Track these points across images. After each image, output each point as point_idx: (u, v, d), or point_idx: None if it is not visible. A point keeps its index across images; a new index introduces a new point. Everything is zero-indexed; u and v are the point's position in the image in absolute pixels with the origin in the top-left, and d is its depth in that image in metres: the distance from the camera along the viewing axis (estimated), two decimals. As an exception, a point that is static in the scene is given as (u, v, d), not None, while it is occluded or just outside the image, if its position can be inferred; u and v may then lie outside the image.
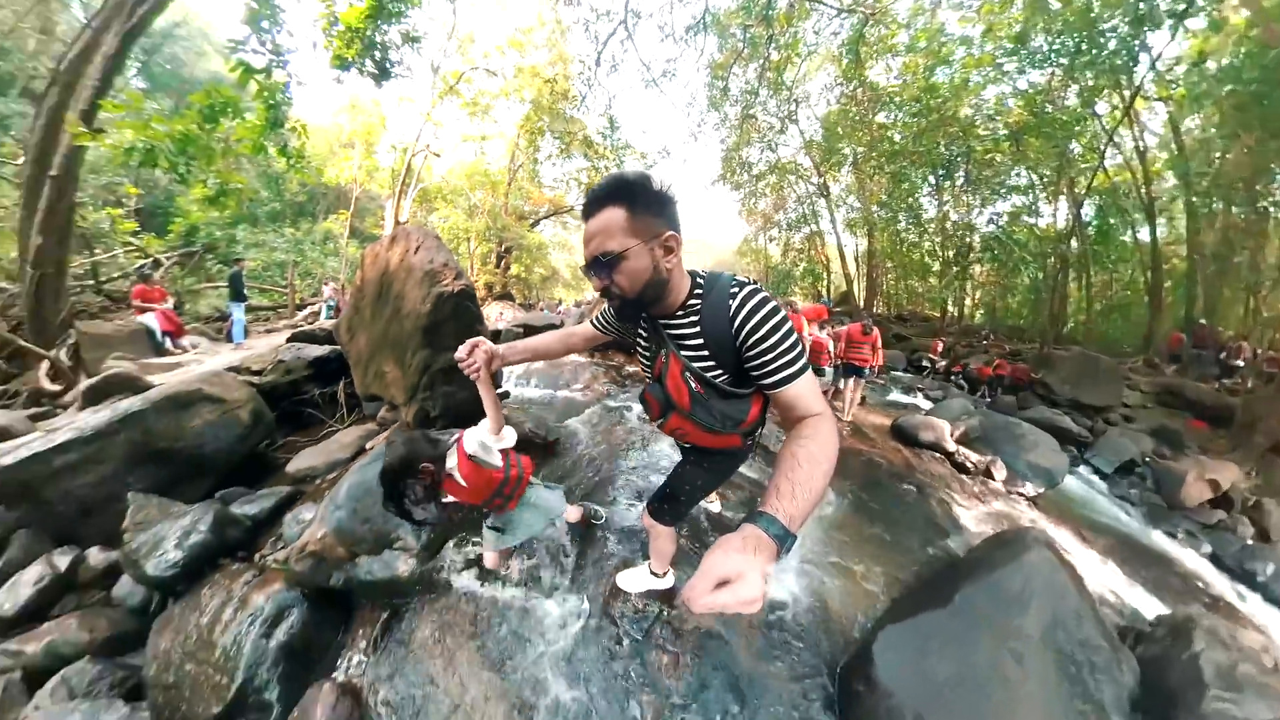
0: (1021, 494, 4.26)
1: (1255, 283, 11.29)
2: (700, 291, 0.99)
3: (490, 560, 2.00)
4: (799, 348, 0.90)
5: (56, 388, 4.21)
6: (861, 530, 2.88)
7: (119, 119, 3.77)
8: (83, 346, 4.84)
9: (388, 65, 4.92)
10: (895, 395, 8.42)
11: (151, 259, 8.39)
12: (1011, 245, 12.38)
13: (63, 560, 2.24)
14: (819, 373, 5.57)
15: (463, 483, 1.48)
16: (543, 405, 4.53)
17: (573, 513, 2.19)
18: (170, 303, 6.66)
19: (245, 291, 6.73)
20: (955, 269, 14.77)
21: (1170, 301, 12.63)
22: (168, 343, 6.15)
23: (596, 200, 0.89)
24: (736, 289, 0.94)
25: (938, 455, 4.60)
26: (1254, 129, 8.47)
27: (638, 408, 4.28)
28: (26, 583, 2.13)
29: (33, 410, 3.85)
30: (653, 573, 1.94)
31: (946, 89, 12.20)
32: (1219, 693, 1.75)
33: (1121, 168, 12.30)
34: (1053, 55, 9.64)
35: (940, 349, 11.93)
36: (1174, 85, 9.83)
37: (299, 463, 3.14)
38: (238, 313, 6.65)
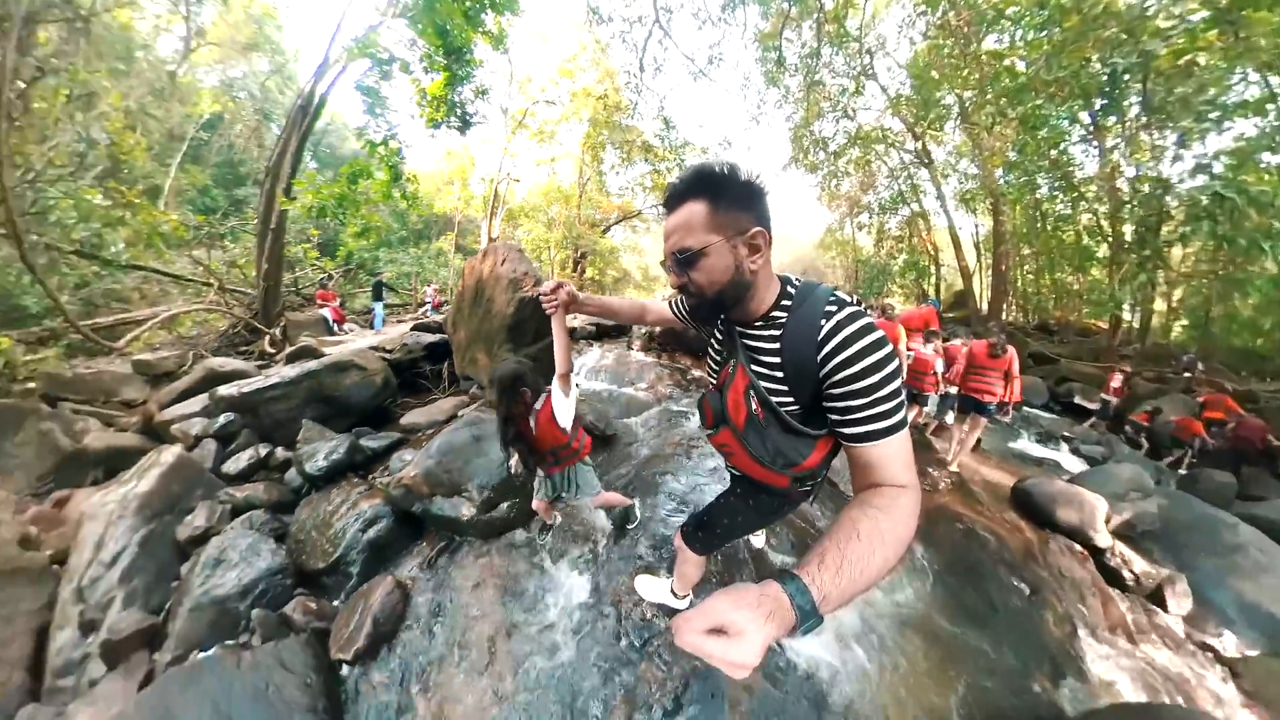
0: (1212, 648, 2.51)
1: None
2: (789, 303, 0.82)
3: (537, 505, 2.11)
4: (900, 398, 0.72)
5: (273, 351, 6.07)
6: (939, 623, 2.13)
7: (304, 189, 5.61)
8: (288, 328, 6.98)
9: (467, 118, 6.21)
10: (1026, 443, 5.87)
11: (327, 274, 11.33)
12: (1244, 206, 5.89)
13: (263, 450, 3.12)
14: (919, 400, 4.48)
15: (534, 425, 1.65)
16: (606, 400, 4.46)
17: (607, 498, 2.12)
18: (338, 301, 9.09)
19: (383, 294, 8.94)
20: (1137, 254, 7.85)
21: None
22: (335, 328, 8.41)
23: (678, 194, 0.77)
24: (835, 307, 0.77)
25: (1078, 548, 2.98)
26: None
27: (697, 417, 3.95)
28: (243, 459, 3.06)
29: (259, 363, 5.43)
30: (673, 591, 1.83)
31: None
32: None
33: None
34: None
35: (1119, 384, 7.40)
36: None
37: (409, 418, 3.77)
38: (378, 309, 8.89)
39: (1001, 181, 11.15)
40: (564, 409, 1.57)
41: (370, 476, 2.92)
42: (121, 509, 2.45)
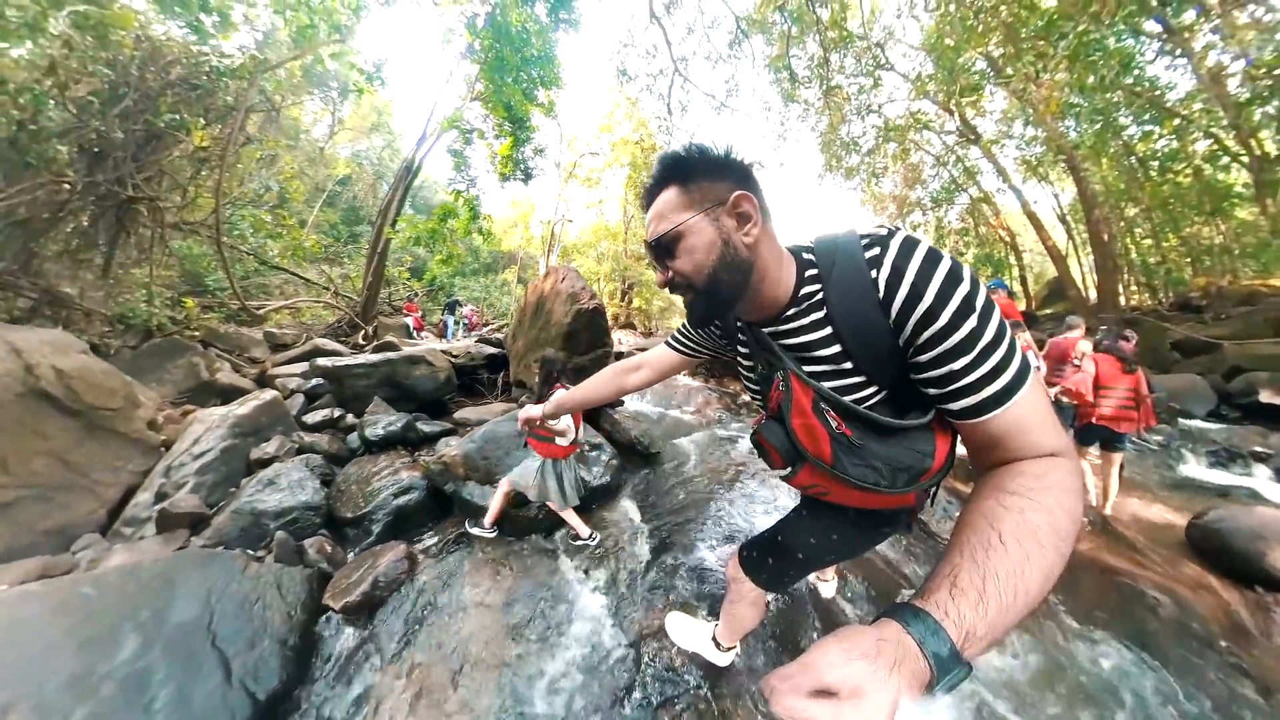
0: None
1: None
2: (816, 270, 0.60)
3: (565, 514, 2.07)
4: (1008, 337, 0.49)
5: (364, 343, 6.85)
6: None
7: (406, 224, 6.51)
8: (379, 328, 7.90)
9: (529, 171, 7.11)
10: (1194, 467, 3.90)
11: (414, 291, 12.65)
12: None
13: (337, 413, 3.38)
14: None
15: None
16: (651, 420, 4.19)
17: (569, 516, 2.05)
18: (419, 313, 10.06)
19: (456, 310, 10.02)
20: None
21: None
22: (415, 334, 9.24)
23: (649, 190, 0.61)
24: (877, 247, 0.54)
25: None
26: None
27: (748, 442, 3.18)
28: (319, 415, 3.32)
29: (352, 350, 6.22)
30: (715, 639, 1.30)
31: None
32: None
33: None
34: None
35: None
36: None
37: (462, 414, 3.81)
38: (450, 321, 9.77)
39: (1071, 134, 8.22)
40: (558, 418, 1.66)
41: (416, 454, 2.93)
42: (220, 422, 2.74)
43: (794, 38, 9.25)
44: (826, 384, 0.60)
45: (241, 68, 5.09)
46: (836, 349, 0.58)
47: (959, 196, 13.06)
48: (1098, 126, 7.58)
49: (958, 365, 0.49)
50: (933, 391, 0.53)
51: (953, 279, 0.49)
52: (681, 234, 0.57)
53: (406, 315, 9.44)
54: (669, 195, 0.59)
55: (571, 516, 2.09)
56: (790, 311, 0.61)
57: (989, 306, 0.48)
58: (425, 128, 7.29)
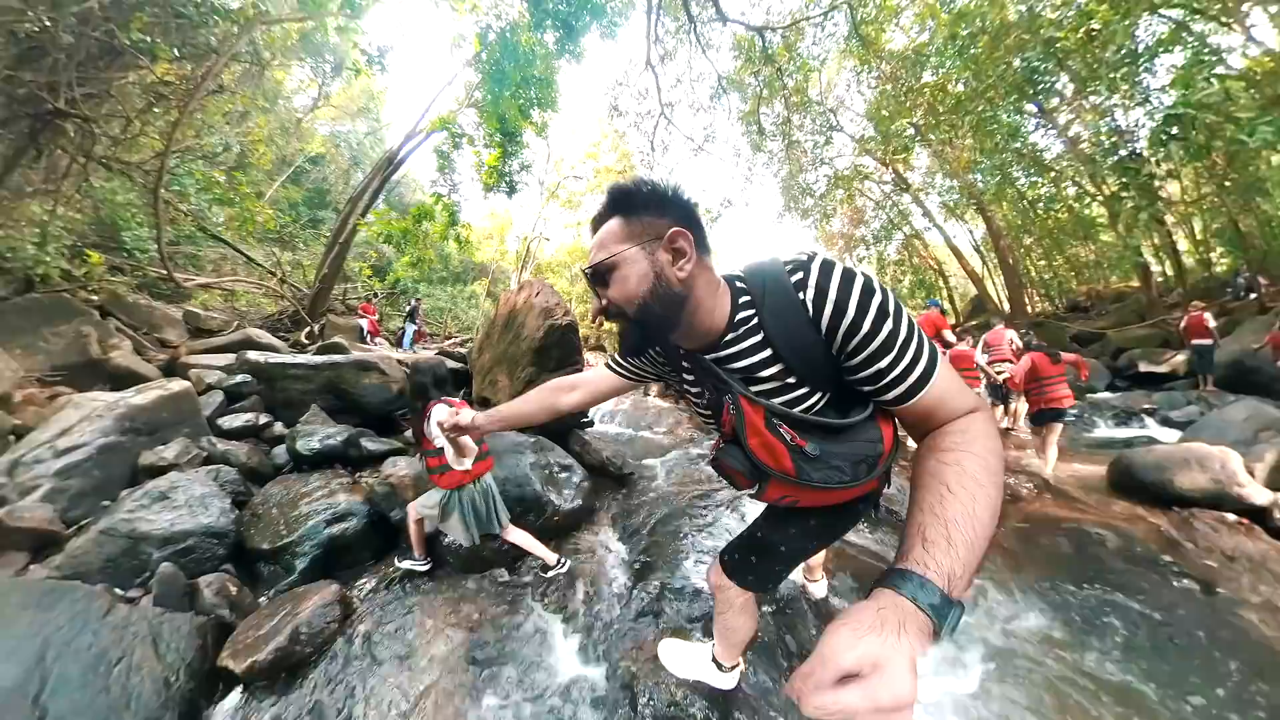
0: None
1: None
2: (749, 296, 0.65)
3: (522, 543, 1.87)
4: (915, 331, 0.57)
5: (307, 343, 6.23)
6: (1081, 668, 1.40)
7: (379, 218, 6.21)
8: (327, 327, 7.19)
9: (514, 185, 7.14)
10: (1104, 430, 4.92)
11: (374, 292, 11.90)
12: (1200, 117, 5.59)
13: (263, 419, 3.03)
14: None
15: (424, 431, 1.71)
16: (621, 442, 4.09)
17: (513, 533, 1.84)
18: (375, 316, 9.37)
19: (415, 319, 9.22)
20: (1128, 196, 7.58)
21: None
22: (369, 339, 8.57)
23: (596, 218, 0.66)
24: (799, 270, 0.60)
25: (1231, 517, 2.20)
26: None
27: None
28: (240, 419, 2.93)
29: (292, 346, 5.67)
30: (715, 660, 1.21)
31: (975, 6, 7.91)
32: None
33: None
34: None
35: (1208, 324, 5.69)
36: None
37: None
38: (409, 329, 9.02)
39: (979, 184, 11.70)
40: (438, 433, 1.50)
41: (358, 474, 2.59)
42: (105, 411, 2.22)
43: (764, 98, 11.34)
44: (774, 400, 0.65)
45: (240, 11, 4.56)
46: (778, 367, 0.64)
47: (895, 234, 16.64)
48: (997, 179, 10.92)
49: (884, 363, 0.56)
50: (868, 388, 0.60)
51: (868, 291, 0.56)
52: (617, 264, 0.61)
53: (361, 317, 8.77)
54: (612, 225, 0.63)
55: (532, 543, 1.87)
56: (729, 337, 0.66)
57: (899, 308, 0.56)
58: (417, 123, 7.18)
